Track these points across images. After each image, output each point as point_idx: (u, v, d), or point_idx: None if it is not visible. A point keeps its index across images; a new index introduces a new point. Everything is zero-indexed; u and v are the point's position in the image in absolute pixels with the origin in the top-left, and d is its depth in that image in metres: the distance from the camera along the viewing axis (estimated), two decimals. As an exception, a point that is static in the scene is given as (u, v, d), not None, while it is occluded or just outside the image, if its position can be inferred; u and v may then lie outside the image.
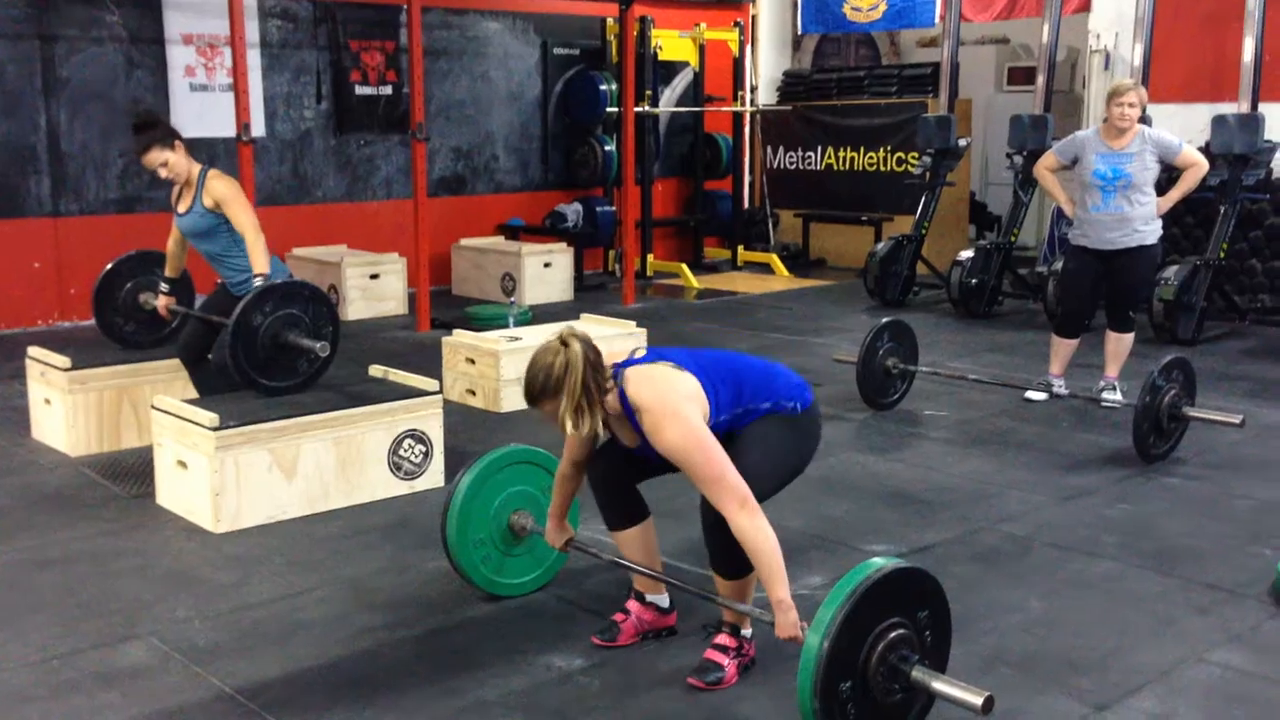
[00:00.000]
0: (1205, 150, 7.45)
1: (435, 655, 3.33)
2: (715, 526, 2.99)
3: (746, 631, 3.20)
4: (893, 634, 2.66)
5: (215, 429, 4.27)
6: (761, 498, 2.97)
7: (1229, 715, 2.98)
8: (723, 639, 3.17)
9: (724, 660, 3.14)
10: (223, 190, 4.73)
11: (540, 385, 2.95)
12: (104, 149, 8.40)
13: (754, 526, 2.85)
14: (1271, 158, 8.04)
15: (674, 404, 2.95)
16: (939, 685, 2.65)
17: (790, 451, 3.18)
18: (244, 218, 4.72)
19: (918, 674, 2.66)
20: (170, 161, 4.72)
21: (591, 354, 2.96)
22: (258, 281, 4.60)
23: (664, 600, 3.44)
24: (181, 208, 4.87)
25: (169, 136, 4.72)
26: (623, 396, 3.01)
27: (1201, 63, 9.00)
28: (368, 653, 3.35)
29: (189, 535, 4.30)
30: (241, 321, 4.49)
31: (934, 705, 2.75)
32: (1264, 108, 7.98)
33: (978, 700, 2.57)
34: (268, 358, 4.59)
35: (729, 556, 3.04)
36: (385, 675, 3.20)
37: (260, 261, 4.66)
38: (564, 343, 2.95)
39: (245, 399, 4.64)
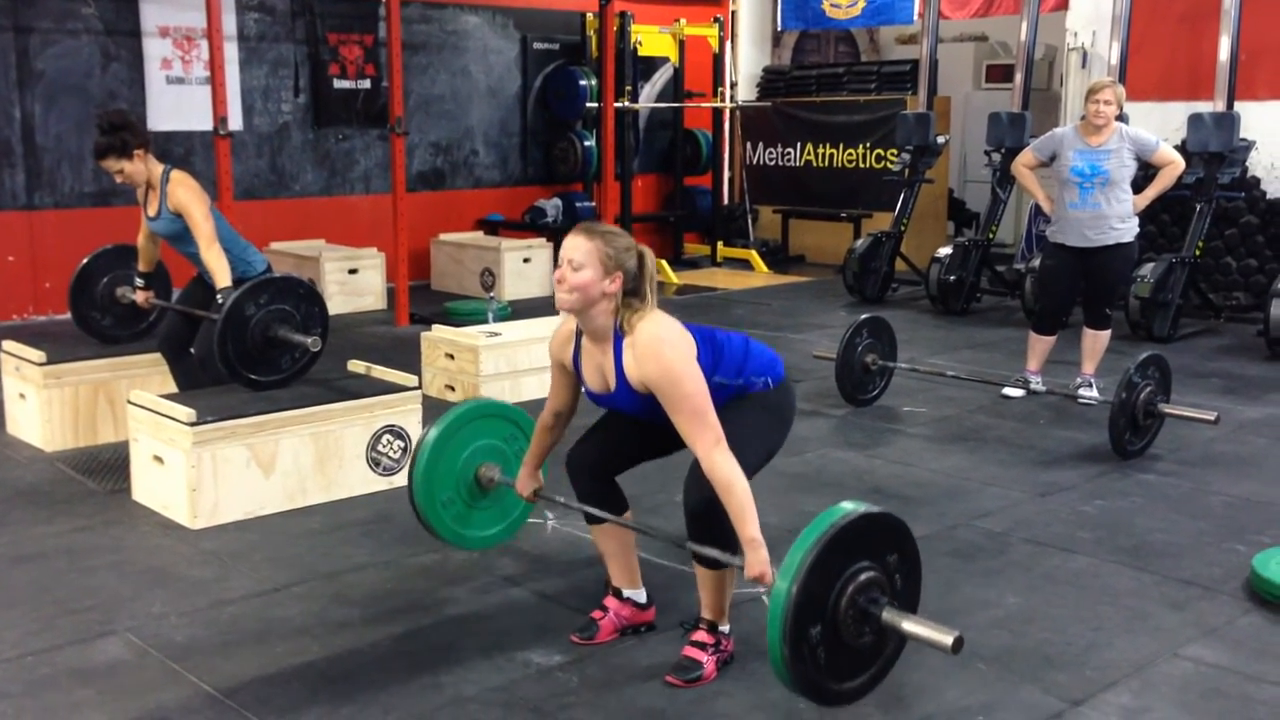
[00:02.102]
0: (1182, 148, 7.50)
1: (414, 651, 3.32)
2: (702, 514, 2.99)
3: (724, 627, 3.20)
4: (862, 577, 2.63)
5: (192, 424, 4.25)
6: None
7: (1203, 710, 3.01)
8: (700, 635, 3.17)
9: (702, 657, 3.14)
10: (181, 198, 4.68)
11: (607, 232, 2.99)
12: (79, 142, 8.33)
13: (729, 463, 2.84)
14: (1247, 156, 8.11)
15: (667, 334, 2.95)
16: (909, 626, 2.63)
17: (764, 435, 3.17)
18: (201, 227, 4.66)
19: (888, 615, 2.64)
20: (126, 170, 4.69)
21: (647, 273, 3.00)
22: (220, 297, 4.54)
23: (641, 596, 3.44)
24: (151, 210, 4.84)
25: (128, 147, 4.65)
26: (620, 338, 3.00)
27: (1178, 61, 9.06)
28: (346, 649, 3.34)
29: (166, 531, 4.27)
30: (234, 311, 4.46)
31: (907, 649, 2.77)
32: (1240, 106, 8.04)
33: (947, 640, 2.57)
34: (256, 351, 4.56)
35: (714, 543, 3.04)
36: (364, 671, 3.20)
37: (221, 276, 4.61)
38: (643, 251, 3.02)
39: (223, 394, 4.62)
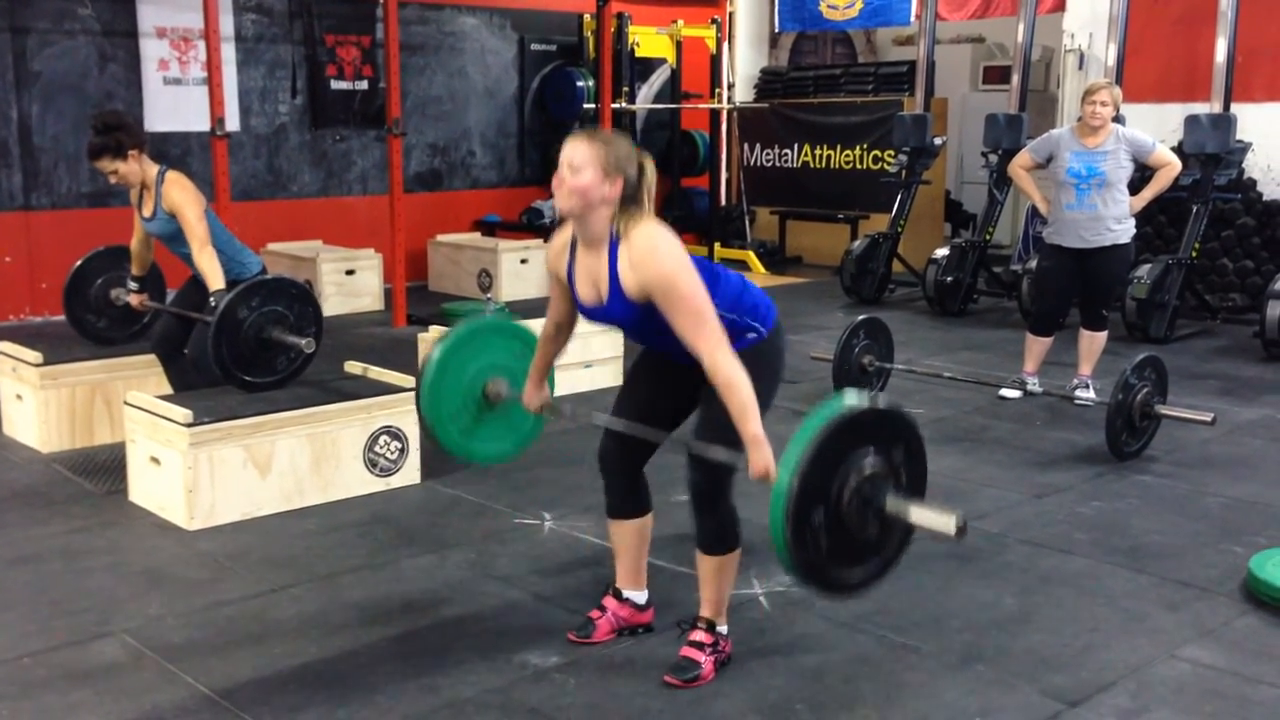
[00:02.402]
0: (1178, 150, 7.50)
1: (411, 653, 3.32)
2: (704, 498, 3.00)
3: (723, 628, 3.20)
4: (866, 467, 2.62)
5: (189, 425, 4.25)
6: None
7: (1200, 711, 3.01)
8: (698, 635, 3.17)
9: (700, 657, 3.14)
10: (176, 199, 4.67)
11: (609, 137, 2.96)
12: (76, 143, 8.32)
13: (730, 363, 2.79)
14: (1243, 158, 8.12)
15: (663, 237, 2.90)
16: (913, 511, 2.62)
17: (759, 395, 3.05)
18: (194, 229, 4.64)
19: (891, 503, 2.62)
20: (121, 170, 4.68)
21: (646, 182, 2.99)
22: (213, 300, 4.54)
23: (641, 597, 3.43)
24: (146, 212, 4.84)
25: (123, 148, 4.64)
26: (616, 244, 2.94)
27: (1175, 63, 9.07)
28: (343, 650, 3.33)
29: (162, 532, 4.27)
30: (227, 314, 4.46)
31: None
32: (1236, 108, 8.05)
33: (950, 523, 2.56)
34: (250, 353, 4.56)
35: (717, 530, 3.05)
36: (360, 673, 3.19)
37: (214, 279, 4.61)
38: (644, 159, 3.01)
39: (219, 395, 4.61)
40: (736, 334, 3.00)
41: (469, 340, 3.50)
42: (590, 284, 3.04)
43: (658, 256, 2.85)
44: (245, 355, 4.55)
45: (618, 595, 3.41)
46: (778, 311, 3.18)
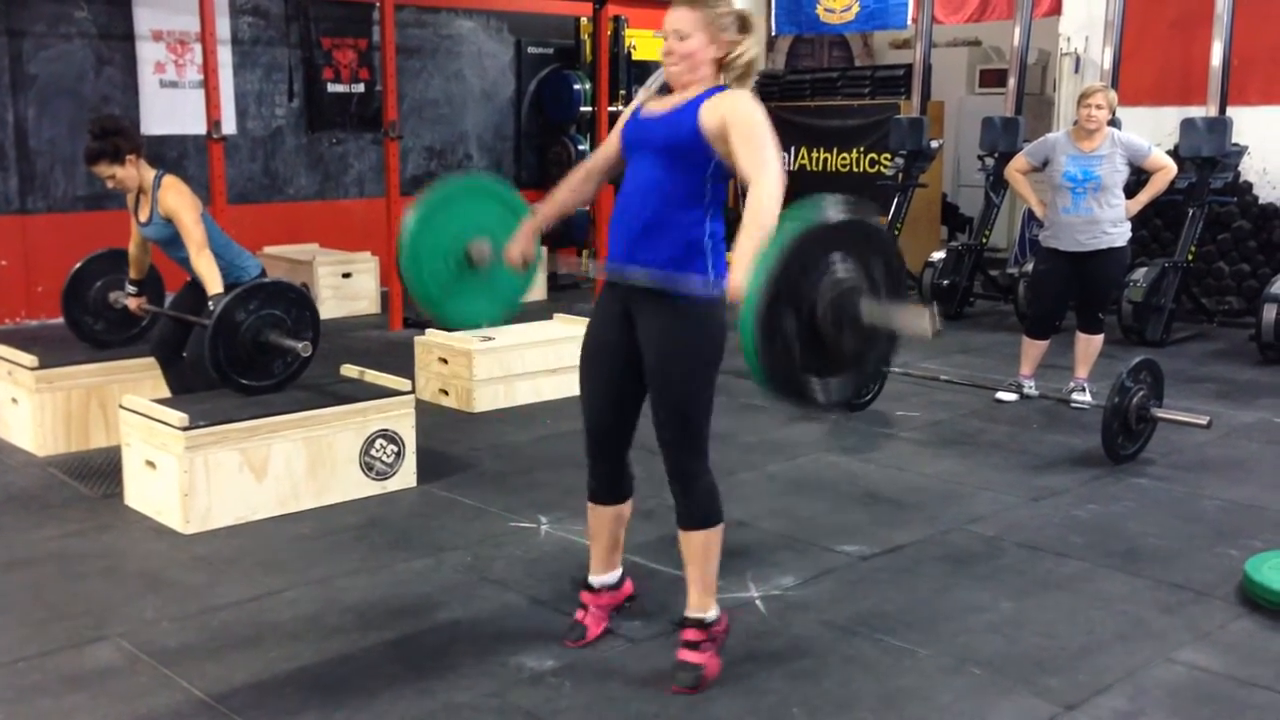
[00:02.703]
0: (1174, 153, 7.51)
1: (407, 657, 3.31)
2: (681, 477, 3.05)
3: (713, 612, 3.18)
4: (842, 275, 2.57)
5: (185, 429, 4.24)
6: (705, 431, 3.06)
7: (1196, 714, 3.01)
8: (690, 634, 3.16)
9: (699, 658, 3.13)
10: (172, 204, 4.67)
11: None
12: (72, 146, 8.31)
13: (776, 196, 2.79)
14: (1239, 161, 8.13)
15: (762, 109, 2.95)
16: (887, 313, 2.59)
17: (711, 383, 3.10)
18: (191, 233, 4.64)
19: (868, 309, 2.58)
20: (118, 175, 4.69)
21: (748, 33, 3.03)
22: (211, 304, 4.54)
23: (613, 577, 3.44)
24: (142, 216, 4.84)
25: (120, 153, 4.65)
26: (709, 93, 2.97)
27: (1171, 67, 9.08)
28: (339, 654, 3.33)
29: (158, 536, 4.26)
30: (224, 316, 4.46)
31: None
32: (1232, 111, 8.05)
33: (925, 323, 2.53)
34: (247, 356, 4.55)
35: (699, 502, 3.08)
36: (356, 677, 3.19)
37: (213, 283, 4.60)
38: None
39: (215, 399, 4.61)
40: (695, 250, 2.99)
41: (452, 199, 3.44)
42: (661, 106, 3.03)
43: (753, 106, 2.93)
44: (242, 358, 4.55)
45: (590, 588, 3.42)
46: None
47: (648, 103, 3.11)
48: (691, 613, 3.17)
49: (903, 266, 2.77)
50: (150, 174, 4.76)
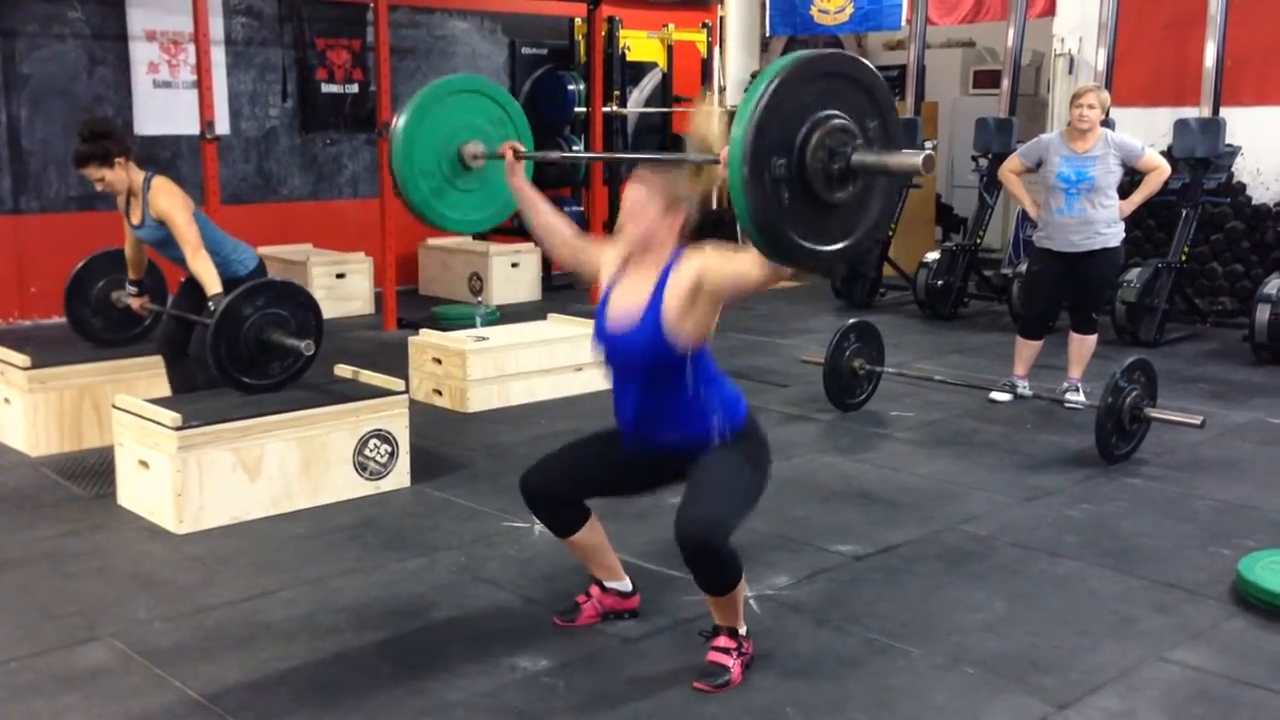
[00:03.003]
0: (1168, 154, 7.52)
1: (400, 656, 3.31)
2: (695, 554, 2.98)
3: (742, 630, 3.20)
4: (833, 122, 2.54)
5: (177, 429, 4.23)
6: (735, 515, 3.02)
7: (1189, 713, 3.02)
8: (723, 641, 3.17)
9: (728, 661, 3.13)
10: (163, 206, 4.67)
11: (661, 174, 3.07)
12: (65, 146, 8.27)
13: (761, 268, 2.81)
14: (1232, 162, 8.14)
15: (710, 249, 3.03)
16: (881, 157, 2.55)
17: (753, 486, 3.17)
18: (185, 235, 4.64)
19: (859, 156, 2.54)
20: (107, 178, 4.68)
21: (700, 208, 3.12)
22: (211, 305, 4.53)
23: (625, 585, 3.49)
24: (135, 219, 4.83)
25: (110, 155, 4.64)
26: (673, 261, 3.05)
27: (1164, 67, 9.10)
28: (332, 654, 3.32)
29: (151, 536, 4.26)
30: (230, 311, 4.45)
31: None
32: (1225, 112, 8.07)
33: (917, 160, 2.48)
34: (248, 353, 4.54)
35: (715, 577, 3.05)
36: (350, 677, 3.18)
37: (210, 283, 4.60)
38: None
39: (209, 398, 4.60)
40: (699, 428, 3.10)
41: (445, 96, 3.43)
42: (627, 298, 3.10)
43: (705, 253, 2.99)
44: (243, 355, 4.53)
45: (601, 586, 3.48)
46: (747, 406, 3.23)
47: (615, 301, 3.13)
48: (724, 621, 3.17)
49: (895, 112, 2.74)
50: (139, 176, 4.74)
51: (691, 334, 3.00)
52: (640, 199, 3.05)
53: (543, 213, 3.43)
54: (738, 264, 2.86)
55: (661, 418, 3.11)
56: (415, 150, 3.35)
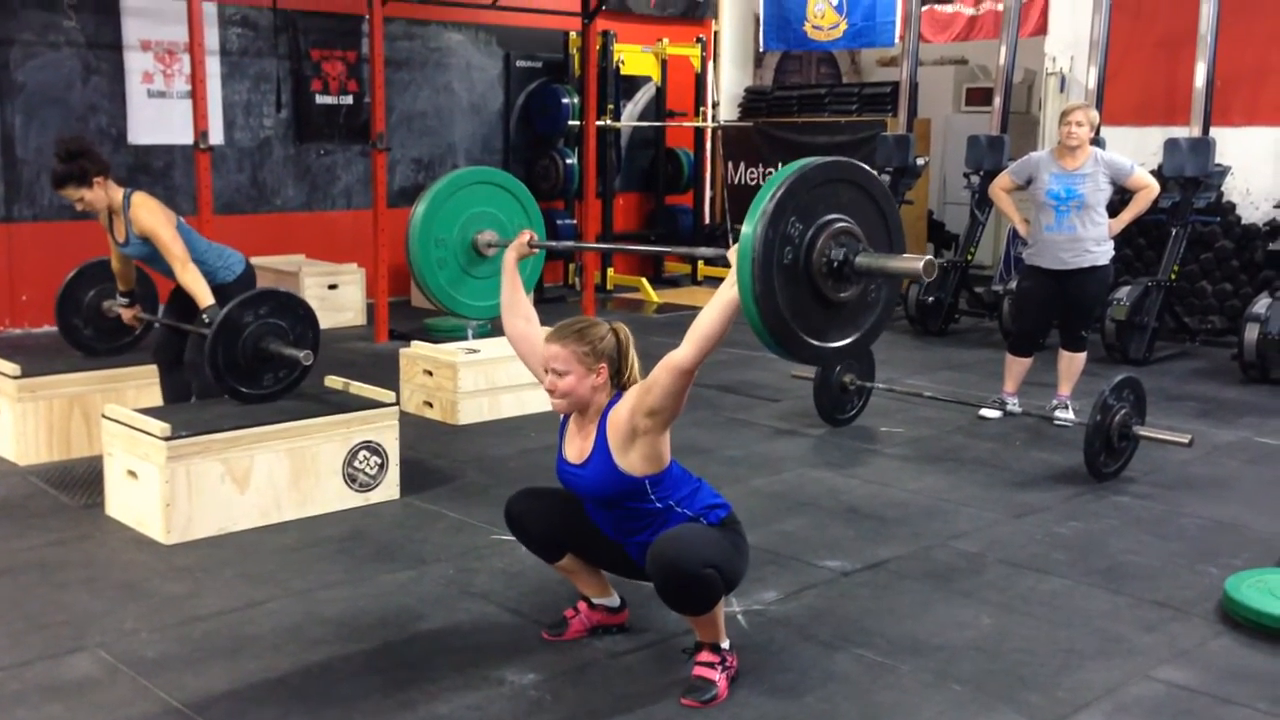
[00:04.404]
0: (1157, 173, 7.56)
1: (388, 669, 3.30)
2: (674, 582, 3.00)
3: (725, 644, 3.20)
4: (838, 225, 2.64)
5: (167, 439, 4.23)
6: (709, 560, 3.02)
7: (1174, 731, 3.02)
8: (707, 655, 3.17)
9: (714, 676, 3.13)
10: (146, 222, 4.68)
11: (579, 329, 3.10)
12: (59, 154, 8.29)
13: (696, 353, 2.91)
14: (1222, 181, 8.18)
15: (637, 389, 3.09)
16: (883, 261, 2.65)
17: (741, 553, 3.20)
18: (171, 249, 4.65)
19: (863, 258, 2.64)
20: (86, 198, 4.70)
21: (623, 349, 3.14)
22: (205, 317, 4.54)
23: (613, 601, 3.50)
24: (119, 237, 4.84)
25: (87, 175, 4.65)
26: (611, 404, 3.12)
27: (1155, 87, 9.15)
28: (319, 666, 3.32)
29: (139, 546, 4.25)
30: (230, 318, 4.45)
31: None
32: (1215, 132, 8.11)
33: (918, 265, 2.60)
34: (245, 362, 4.54)
35: (688, 601, 3.06)
36: (337, 689, 3.18)
37: (202, 296, 4.60)
38: (616, 329, 3.17)
39: (198, 409, 4.60)
40: (674, 518, 3.14)
41: (460, 187, 3.53)
42: (576, 443, 3.19)
43: (634, 390, 3.06)
44: (240, 363, 4.53)
45: (589, 602, 3.48)
46: (730, 510, 3.26)
47: (568, 439, 3.21)
48: (706, 638, 3.18)
49: (897, 215, 2.83)
50: (119, 194, 4.74)
51: (643, 464, 3.07)
52: (557, 365, 3.07)
53: (520, 292, 3.55)
54: (659, 371, 2.94)
55: (634, 528, 3.18)
56: (431, 240, 3.48)
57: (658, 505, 3.13)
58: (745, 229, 2.58)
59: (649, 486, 3.11)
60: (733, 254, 2.74)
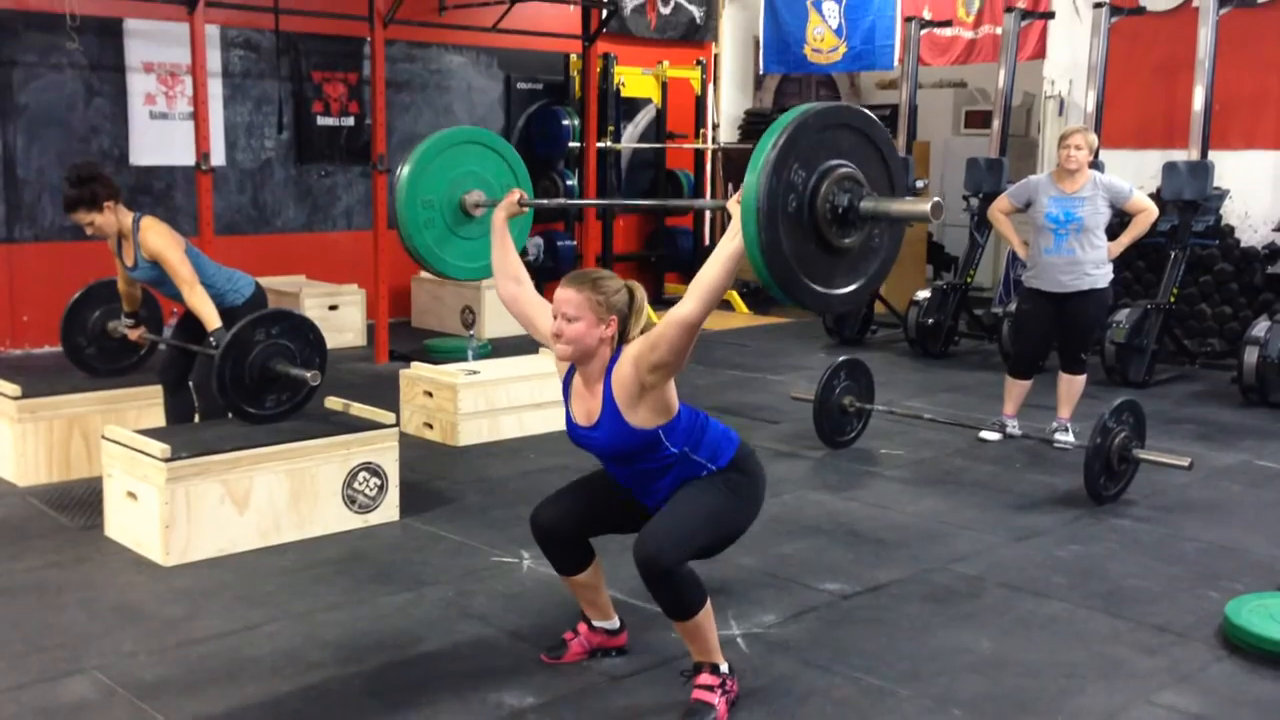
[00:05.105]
0: (1156, 197, 7.58)
1: (385, 692, 3.29)
2: (651, 574, 2.99)
3: (724, 667, 3.18)
4: (842, 170, 2.63)
5: (166, 460, 4.23)
6: (690, 543, 3.01)
7: (1175, 757, 3.01)
8: (705, 679, 3.15)
9: (713, 699, 3.12)
10: (154, 245, 4.69)
11: (596, 278, 3.08)
12: (61, 176, 8.26)
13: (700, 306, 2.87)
14: (1220, 204, 8.20)
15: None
16: (892, 205, 2.63)
17: (722, 515, 3.16)
18: (179, 272, 4.68)
19: (868, 202, 2.63)
20: (96, 222, 4.72)
21: (636, 309, 3.11)
22: (213, 339, 4.56)
23: (613, 624, 3.49)
24: (128, 261, 4.86)
25: (98, 200, 4.68)
26: (613, 361, 3.08)
27: (1153, 110, 9.18)
28: (316, 689, 3.31)
29: (137, 568, 4.24)
30: (236, 339, 4.45)
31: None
32: (1214, 155, 8.13)
33: (925, 207, 2.56)
34: (252, 381, 4.54)
35: (675, 600, 3.04)
36: (334, 712, 3.17)
37: (210, 318, 4.62)
38: (632, 287, 3.13)
39: (198, 430, 4.60)
40: (690, 473, 3.13)
41: (447, 147, 3.52)
42: (583, 403, 3.16)
43: (640, 340, 3.03)
44: (247, 384, 4.53)
45: (589, 624, 3.47)
46: (739, 445, 3.23)
47: (574, 400, 3.19)
48: (703, 658, 3.16)
49: (899, 160, 2.82)
50: (128, 218, 4.76)
51: (653, 417, 3.05)
52: (569, 310, 3.04)
53: (511, 252, 3.53)
54: (663, 327, 2.92)
55: (652, 478, 3.16)
56: (418, 199, 3.45)
57: (673, 451, 3.09)
58: (749, 179, 2.57)
59: (663, 436, 3.07)
60: (733, 204, 2.72)
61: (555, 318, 3.06)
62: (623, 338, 3.10)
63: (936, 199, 2.58)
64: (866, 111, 2.81)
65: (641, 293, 3.13)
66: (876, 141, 2.77)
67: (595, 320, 3.03)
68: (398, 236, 3.62)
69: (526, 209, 3.61)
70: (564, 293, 3.06)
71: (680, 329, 2.90)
